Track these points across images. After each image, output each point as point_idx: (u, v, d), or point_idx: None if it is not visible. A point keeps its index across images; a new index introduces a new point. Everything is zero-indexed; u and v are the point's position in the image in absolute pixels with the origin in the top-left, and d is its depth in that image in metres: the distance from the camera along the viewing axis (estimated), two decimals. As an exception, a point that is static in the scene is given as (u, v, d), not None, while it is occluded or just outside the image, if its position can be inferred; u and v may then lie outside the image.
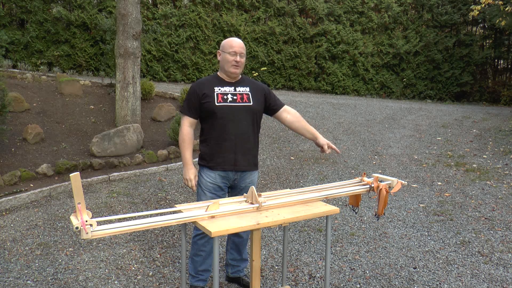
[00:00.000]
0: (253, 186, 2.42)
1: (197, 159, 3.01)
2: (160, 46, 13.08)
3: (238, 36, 13.58)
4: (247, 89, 2.80)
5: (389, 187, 2.87)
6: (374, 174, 3.00)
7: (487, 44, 15.14)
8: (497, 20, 11.09)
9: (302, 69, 14.13)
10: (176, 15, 13.24)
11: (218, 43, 13.64)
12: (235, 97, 2.74)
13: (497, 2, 10.32)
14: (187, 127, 2.78)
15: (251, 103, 2.77)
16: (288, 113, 2.92)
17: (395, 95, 14.55)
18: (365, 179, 2.80)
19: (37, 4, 11.78)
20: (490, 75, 15.39)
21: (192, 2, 13.55)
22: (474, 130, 9.04)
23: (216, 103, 2.69)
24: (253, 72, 13.87)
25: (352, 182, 2.81)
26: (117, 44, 7.08)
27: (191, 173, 2.79)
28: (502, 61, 15.39)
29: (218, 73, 2.86)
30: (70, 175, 1.87)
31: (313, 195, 2.57)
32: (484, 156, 7.08)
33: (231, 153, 2.74)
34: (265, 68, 13.96)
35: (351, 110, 10.79)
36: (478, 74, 14.96)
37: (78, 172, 1.89)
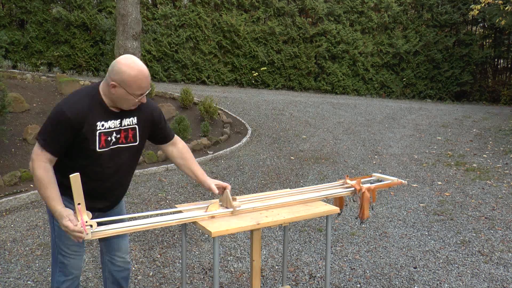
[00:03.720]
0: (227, 190, 2.30)
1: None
2: (160, 46, 13.07)
3: (238, 36, 13.58)
4: (135, 120, 2.17)
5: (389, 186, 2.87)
6: (374, 174, 3.00)
7: (487, 43, 15.13)
8: (497, 20, 11.08)
9: (302, 69, 14.13)
10: (176, 15, 13.23)
11: (218, 43, 13.64)
12: (118, 136, 2.11)
13: (496, 1, 10.32)
14: (46, 164, 1.98)
15: (137, 143, 2.19)
16: (175, 146, 2.39)
17: (395, 95, 14.55)
18: (348, 181, 2.74)
19: (37, 4, 11.78)
20: (490, 75, 15.38)
21: (192, 2, 13.55)
22: (474, 130, 9.04)
23: (98, 149, 2.05)
24: (253, 72, 13.87)
25: (335, 185, 2.77)
26: (117, 44, 7.07)
27: (69, 214, 1.92)
28: (502, 61, 15.37)
29: (100, 93, 2.07)
30: (70, 176, 1.86)
31: (293, 198, 2.54)
32: (484, 155, 7.07)
33: (102, 200, 2.18)
34: (265, 68, 13.96)
35: (351, 110, 10.79)
36: (478, 74, 14.96)
37: (78, 173, 1.89)
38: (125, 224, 2.06)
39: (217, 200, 2.47)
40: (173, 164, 6.10)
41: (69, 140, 2.00)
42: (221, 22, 13.53)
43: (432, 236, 4.03)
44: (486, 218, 4.49)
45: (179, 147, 2.40)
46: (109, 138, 2.08)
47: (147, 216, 2.23)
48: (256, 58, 13.86)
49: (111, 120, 2.08)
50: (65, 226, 1.88)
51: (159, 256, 3.56)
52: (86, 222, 1.91)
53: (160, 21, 13.11)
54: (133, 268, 3.35)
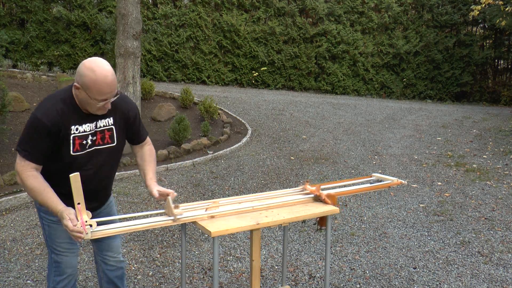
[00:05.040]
0: (169, 197, 2.15)
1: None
2: (160, 46, 13.08)
3: (238, 36, 13.58)
4: (111, 120, 2.14)
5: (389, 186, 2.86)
6: (374, 174, 3.00)
7: (487, 44, 15.13)
8: (497, 20, 11.09)
9: (302, 69, 14.13)
10: (176, 15, 13.23)
11: (218, 43, 13.64)
12: (94, 138, 2.09)
13: (497, 2, 10.32)
14: (34, 173, 1.97)
15: (115, 143, 2.18)
16: (142, 148, 2.40)
17: (395, 95, 14.55)
18: (308, 187, 2.63)
19: (37, 3, 11.78)
20: (490, 75, 15.38)
21: (192, 2, 13.55)
22: (474, 130, 9.04)
23: (72, 153, 2.03)
24: (253, 72, 13.87)
25: (295, 191, 2.65)
26: (117, 44, 7.08)
27: (70, 213, 1.92)
28: (502, 61, 15.38)
29: (74, 96, 2.04)
30: (70, 175, 1.86)
31: (249, 204, 2.41)
32: (484, 156, 7.07)
33: (86, 201, 2.01)
34: (265, 68, 13.96)
35: (351, 110, 10.79)
36: (478, 74, 14.95)
37: (78, 173, 1.89)
38: (124, 224, 2.06)
39: (217, 200, 2.47)
40: (173, 164, 6.10)
41: (49, 146, 1.98)
42: (221, 22, 13.53)
43: (432, 237, 4.03)
44: (486, 218, 4.49)
45: (144, 148, 2.41)
46: (84, 142, 2.06)
47: (147, 216, 2.23)
48: (256, 58, 13.86)
49: (86, 123, 2.06)
50: (65, 226, 1.88)
51: (158, 255, 3.56)
52: (86, 221, 1.91)
53: (161, 20, 13.11)
54: (133, 268, 3.35)
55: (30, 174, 1.96)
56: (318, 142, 7.75)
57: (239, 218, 2.27)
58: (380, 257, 3.62)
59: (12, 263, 3.35)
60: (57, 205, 1.94)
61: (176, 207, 2.17)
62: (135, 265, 3.39)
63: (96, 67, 1.94)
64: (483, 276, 3.31)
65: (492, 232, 4.16)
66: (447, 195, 5.24)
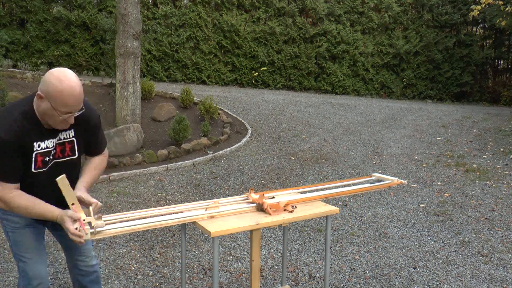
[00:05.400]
0: (90, 208, 1.95)
1: None
2: (160, 46, 13.08)
3: (238, 36, 13.59)
4: (72, 132, 2.07)
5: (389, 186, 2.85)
6: (374, 174, 3.00)
7: (487, 44, 15.13)
8: (497, 20, 11.09)
9: (302, 69, 14.13)
10: (176, 15, 13.24)
11: (218, 43, 13.64)
12: (54, 152, 2.02)
13: (497, 2, 10.32)
14: (14, 193, 1.91)
15: (76, 155, 2.12)
16: (94, 159, 2.28)
17: (395, 95, 14.55)
18: (252, 195, 2.49)
19: (37, 3, 11.78)
20: (490, 75, 15.38)
21: (192, 2, 13.55)
22: (474, 130, 9.04)
23: (34, 170, 1.96)
24: (253, 72, 13.87)
25: (238, 199, 2.53)
26: (117, 44, 7.08)
27: (70, 214, 1.90)
28: (502, 61, 15.38)
29: (35, 110, 1.93)
30: (57, 179, 1.81)
31: (197, 212, 2.30)
32: (484, 156, 7.07)
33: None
34: (265, 68, 13.96)
35: (351, 110, 10.79)
36: (478, 74, 14.96)
37: (64, 175, 1.83)
38: (125, 224, 2.06)
39: (217, 200, 2.47)
40: (173, 164, 6.10)
41: (20, 162, 1.91)
42: (221, 22, 13.53)
43: (432, 237, 4.03)
44: (486, 218, 4.49)
45: (95, 159, 2.26)
46: (46, 158, 1.99)
47: (147, 216, 2.23)
48: (256, 58, 13.86)
49: (48, 139, 1.98)
50: (67, 229, 1.85)
51: (158, 255, 3.56)
52: (84, 220, 1.90)
53: (161, 20, 13.11)
54: (133, 268, 3.35)
55: (14, 195, 1.90)
56: (318, 142, 7.75)
57: (239, 218, 2.27)
58: (380, 257, 3.62)
59: (12, 263, 3.35)
60: (53, 212, 1.91)
61: (99, 218, 1.96)
62: (135, 265, 3.39)
63: (64, 77, 1.85)
64: (483, 276, 3.31)
65: (492, 232, 4.16)
66: (447, 195, 5.24)
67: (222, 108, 9.27)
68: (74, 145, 2.09)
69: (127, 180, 5.51)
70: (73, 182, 2.04)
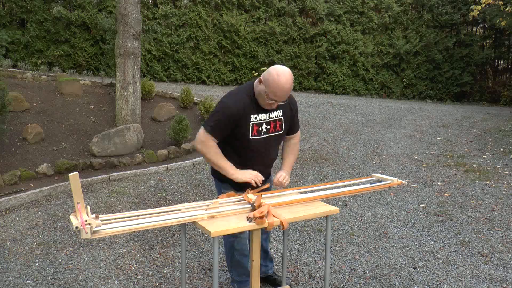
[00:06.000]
0: (88, 206, 2.01)
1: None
2: (160, 46, 13.08)
3: (238, 36, 13.59)
4: (280, 112, 2.62)
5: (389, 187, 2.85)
6: (374, 174, 3.00)
7: (487, 44, 15.13)
8: (497, 20, 11.08)
9: (302, 69, 14.13)
10: (176, 15, 13.23)
11: (218, 43, 13.64)
12: (268, 127, 2.58)
13: (497, 2, 10.32)
14: (213, 145, 2.51)
15: (282, 131, 2.66)
16: (292, 139, 2.84)
17: (395, 95, 14.55)
18: (249, 196, 2.45)
19: (37, 3, 11.78)
20: (490, 75, 15.38)
21: (192, 2, 13.55)
22: (474, 130, 9.04)
23: (251, 137, 2.52)
24: (253, 72, 13.87)
25: (238, 199, 2.49)
26: (117, 44, 7.08)
27: (248, 173, 2.53)
28: (502, 61, 15.38)
29: (252, 91, 2.53)
30: (69, 175, 1.87)
31: (197, 212, 2.27)
32: (484, 156, 7.07)
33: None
34: (265, 68, 13.95)
35: (351, 110, 10.79)
36: (478, 74, 14.96)
37: (77, 172, 1.90)
38: (125, 224, 2.06)
39: (217, 200, 2.47)
40: (173, 164, 6.10)
41: (230, 128, 2.48)
42: (221, 22, 13.53)
43: (432, 237, 4.03)
44: (486, 219, 4.49)
45: (291, 141, 2.85)
46: (260, 129, 2.54)
47: (148, 215, 2.23)
48: (256, 58, 13.86)
49: (261, 114, 2.53)
50: (242, 179, 2.47)
51: (158, 255, 3.56)
52: (86, 221, 1.91)
53: (161, 20, 13.11)
54: (133, 268, 3.35)
55: (212, 144, 2.49)
56: (318, 142, 7.75)
57: (239, 218, 2.26)
58: (380, 257, 3.62)
59: (12, 263, 3.35)
60: (228, 170, 2.50)
61: (97, 217, 2.00)
62: (135, 265, 3.39)
63: (283, 75, 2.37)
64: (483, 276, 3.31)
65: (492, 232, 4.16)
66: (447, 195, 5.24)
67: (222, 108, 9.26)
68: (282, 123, 2.64)
69: (127, 180, 5.51)
70: (276, 152, 2.75)
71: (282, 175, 2.69)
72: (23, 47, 11.88)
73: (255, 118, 2.51)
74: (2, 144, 5.75)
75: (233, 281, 2.86)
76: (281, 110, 2.61)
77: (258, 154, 2.60)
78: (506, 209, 4.75)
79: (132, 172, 5.71)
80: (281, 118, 2.62)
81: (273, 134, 2.61)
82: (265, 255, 3.00)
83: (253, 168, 2.58)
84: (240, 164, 2.57)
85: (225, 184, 2.68)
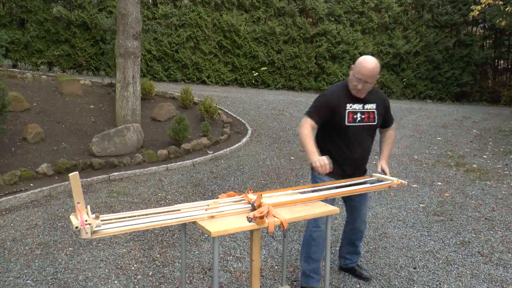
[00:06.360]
0: (88, 206, 2.01)
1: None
2: (160, 46, 13.08)
3: (238, 36, 13.59)
4: (374, 106, 2.91)
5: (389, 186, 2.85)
6: (374, 174, 3.01)
7: (487, 44, 15.13)
8: (497, 20, 11.09)
9: (302, 69, 14.13)
10: (176, 15, 13.23)
11: (218, 43, 13.64)
12: (363, 116, 2.86)
13: (497, 2, 10.32)
14: (309, 126, 2.77)
15: (375, 122, 2.93)
16: (387, 132, 3.15)
17: (395, 95, 14.55)
18: (250, 196, 2.44)
19: (37, 3, 11.78)
20: (490, 75, 15.39)
21: (192, 2, 13.55)
22: (474, 130, 9.04)
23: (347, 123, 2.81)
24: (253, 72, 13.87)
25: (238, 199, 2.48)
26: (117, 43, 7.07)
27: (320, 158, 2.64)
28: (502, 61, 15.39)
29: (348, 84, 2.86)
30: (69, 175, 1.87)
31: (197, 212, 2.25)
32: (484, 156, 7.07)
33: (346, 165, 2.92)
34: (265, 68, 13.96)
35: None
36: (478, 74, 14.96)
37: (77, 172, 1.90)
38: (125, 224, 2.06)
39: (217, 200, 2.47)
40: (173, 164, 6.10)
41: (327, 114, 2.79)
42: (221, 22, 13.53)
43: (432, 237, 4.03)
44: (486, 219, 4.49)
45: (387, 133, 3.15)
46: (355, 116, 2.83)
47: (149, 215, 2.23)
48: (256, 58, 13.86)
49: (356, 103, 2.84)
50: (314, 163, 2.60)
51: (158, 255, 3.56)
52: (86, 221, 1.91)
53: (161, 20, 13.11)
54: (133, 268, 3.35)
55: (307, 126, 2.75)
56: (318, 142, 7.75)
57: (239, 218, 2.26)
58: (380, 257, 3.62)
59: (12, 263, 3.35)
60: (311, 151, 2.66)
61: (97, 217, 1.99)
62: (135, 265, 3.39)
63: (368, 58, 2.76)
64: (483, 276, 3.31)
65: (492, 232, 4.16)
66: (447, 195, 5.24)
67: (222, 108, 9.27)
68: (375, 115, 2.92)
69: (127, 180, 5.51)
70: (371, 143, 3.02)
71: (381, 167, 3.01)
72: (23, 47, 11.88)
73: (351, 106, 2.81)
74: (2, 144, 5.75)
75: (303, 274, 3.01)
76: (375, 104, 2.90)
77: (355, 141, 2.86)
78: (506, 209, 4.75)
79: (132, 172, 5.71)
80: (374, 111, 2.90)
81: (367, 123, 2.89)
82: (354, 249, 3.22)
83: (351, 156, 2.87)
84: (339, 151, 2.88)
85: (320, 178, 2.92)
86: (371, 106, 2.89)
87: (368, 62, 2.72)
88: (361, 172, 3.03)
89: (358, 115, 2.84)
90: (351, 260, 3.23)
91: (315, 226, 2.89)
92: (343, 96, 2.82)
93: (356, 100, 2.84)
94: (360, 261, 3.54)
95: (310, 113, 2.82)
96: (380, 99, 2.95)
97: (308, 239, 2.95)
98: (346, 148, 2.87)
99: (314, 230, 2.90)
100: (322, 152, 2.87)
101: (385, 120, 3.04)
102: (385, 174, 2.95)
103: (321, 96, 2.89)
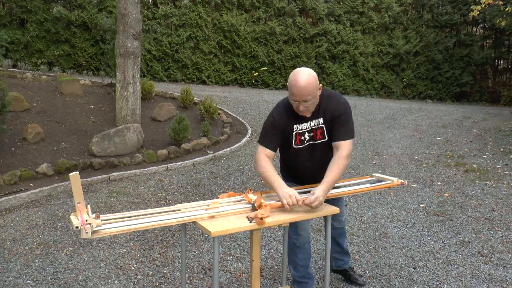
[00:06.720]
0: (88, 206, 2.04)
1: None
2: (160, 46, 13.08)
3: (238, 36, 13.59)
4: (321, 121, 2.57)
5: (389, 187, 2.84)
6: (374, 174, 3.00)
7: (487, 44, 15.14)
8: (497, 20, 11.09)
9: (302, 69, 14.13)
10: (176, 14, 13.24)
11: (218, 43, 13.64)
12: (311, 134, 2.59)
13: (497, 2, 10.32)
14: (264, 157, 2.54)
15: (326, 139, 2.60)
16: (336, 150, 2.54)
17: (395, 95, 14.55)
18: (250, 196, 2.43)
19: (37, 3, 11.78)
20: (490, 75, 15.39)
21: (192, 2, 13.55)
22: (474, 130, 9.04)
23: (294, 146, 2.61)
24: (253, 72, 13.88)
25: (238, 199, 2.48)
26: (117, 43, 7.08)
27: (289, 190, 2.39)
28: (502, 61, 15.40)
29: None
30: (70, 174, 1.87)
31: (197, 212, 2.25)
32: (484, 156, 7.07)
33: (306, 179, 2.74)
34: (265, 68, 13.96)
35: (351, 110, 10.78)
36: (478, 74, 14.96)
37: (78, 172, 1.90)
38: (125, 224, 2.06)
39: (217, 200, 2.47)
40: (173, 164, 6.10)
41: (279, 138, 2.58)
42: (221, 22, 13.53)
43: (432, 237, 4.03)
44: (486, 219, 4.49)
45: (336, 154, 2.52)
46: (302, 138, 2.59)
47: (149, 215, 2.23)
48: (256, 58, 13.86)
49: (303, 123, 2.57)
50: (281, 200, 2.35)
51: (158, 255, 3.56)
52: (86, 221, 1.91)
53: (161, 20, 13.11)
54: (133, 268, 3.35)
55: (262, 157, 2.53)
56: (318, 142, 7.75)
57: (239, 218, 2.26)
58: (380, 257, 3.62)
59: (12, 263, 3.35)
60: (276, 186, 2.41)
61: (97, 217, 1.99)
62: (135, 265, 3.39)
63: (297, 73, 2.40)
64: (483, 276, 3.31)
65: (492, 232, 4.16)
66: (447, 195, 5.24)
67: (222, 108, 9.27)
68: (324, 131, 2.59)
69: (127, 180, 5.51)
70: (327, 157, 2.58)
71: (314, 195, 2.36)
72: (23, 47, 11.88)
73: (297, 127, 2.58)
74: (2, 144, 5.75)
75: (293, 282, 2.89)
76: (321, 118, 2.57)
77: (306, 161, 2.66)
78: (506, 209, 4.75)
79: (132, 172, 5.71)
80: (322, 126, 2.58)
81: (318, 141, 2.61)
82: (340, 249, 3.10)
83: (307, 172, 2.68)
84: (296, 172, 2.75)
85: (288, 183, 2.65)
86: (317, 122, 2.57)
87: (299, 80, 2.36)
88: (316, 181, 2.68)
89: (306, 135, 2.59)
90: (342, 260, 3.15)
91: (296, 234, 2.74)
92: (288, 117, 2.55)
93: (302, 119, 2.55)
94: (360, 261, 3.54)
95: (262, 142, 2.58)
96: (328, 111, 2.54)
97: (293, 247, 2.80)
98: (300, 167, 2.71)
99: (295, 237, 2.75)
100: (284, 171, 2.85)
101: (334, 134, 2.56)
102: (310, 205, 2.37)
103: (267, 119, 2.61)
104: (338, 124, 2.54)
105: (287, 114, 2.55)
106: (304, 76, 2.37)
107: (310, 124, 2.58)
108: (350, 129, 2.56)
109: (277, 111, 2.59)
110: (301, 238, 2.74)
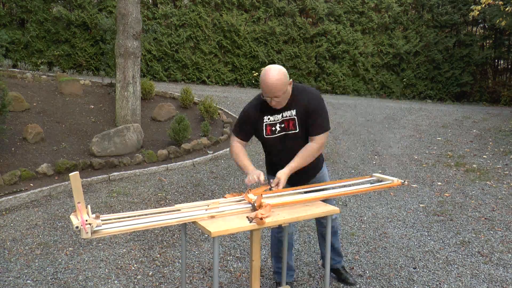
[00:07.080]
0: (88, 206, 2.03)
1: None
2: (160, 46, 13.08)
3: (238, 36, 13.59)
4: (294, 112, 2.64)
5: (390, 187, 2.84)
6: (374, 174, 3.00)
7: (487, 44, 15.13)
8: (497, 20, 11.08)
9: (302, 69, 14.13)
10: (176, 14, 13.24)
11: (218, 43, 13.64)
12: (282, 125, 2.67)
13: (497, 2, 10.32)
14: (237, 143, 2.80)
15: (297, 130, 2.67)
16: (311, 141, 2.69)
17: (395, 95, 14.55)
18: (250, 196, 2.42)
19: (37, 3, 11.78)
20: (490, 75, 15.38)
21: (192, 1, 13.55)
22: (474, 130, 9.04)
23: (265, 136, 2.71)
24: (253, 72, 13.87)
25: (238, 199, 2.46)
26: (117, 43, 7.08)
27: (257, 172, 2.57)
28: (502, 61, 15.38)
29: None
30: (70, 174, 1.87)
31: (197, 212, 2.26)
32: (484, 156, 7.07)
33: (280, 168, 2.69)
34: (265, 68, 13.96)
35: (351, 110, 10.79)
36: (478, 74, 14.95)
37: (78, 172, 1.90)
38: (125, 224, 2.06)
39: (217, 200, 2.47)
40: (173, 164, 6.10)
41: (251, 129, 2.76)
42: (221, 22, 13.53)
43: (432, 237, 4.03)
44: (486, 219, 4.49)
45: (308, 144, 2.70)
46: (273, 128, 2.69)
47: (149, 215, 2.23)
48: (256, 58, 13.86)
49: (274, 115, 2.67)
50: (247, 178, 2.54)
51: (158, 255, 3.56)
52: (86, 220, 1.91)
53: (161, 20, 13.11)
54: (133, 268, 3.35)
55: (235, 144, 2.78)
56: (318, 142, 7.74)
57: (240, 218, 2.26)
58: (380, 257, 3.62)
59: (12, 263, 3.35)
60: (246, 167, 2.65)
61: (97, 217, 1.99)
62: (135, 265, 3.39)
63: (268, 70, 2.51)
64: (483, 276, 3.31)
65: (492, 232, 4.16)
66: (447, 195, 5.24)
67: (222, 108, 9.27)
68: (296, 122, 2.67)
69: (127, 180, 5.51)
70: (299, 147, 2.67)
71: (277, 179, 2.56)
72: (23, 47, 11.88)
73: (268, 119, 2.68)
74: (2, 144, 5.75)
75: (275, 273, 3.11)
76: (294, 110, 2.65)
77: (281, 152, 2.74)
78: (506, 209, 4.75)
79: (132, 172, 5.71)
80: (294, 118, 2.66)
81: (289, 132, 2.68)
82: (332, 248, 3.11)
83: (282, 165, 2.64)
84: (271, 161, 2.88)
85: (269, 175, 2.95)
86: (290, 113, 2.65)
87: (268, 78, 2.47)
88: (305, 176, 2.85)
89: (277, 126, 2.68)
90: (334, 259, 3.16)
91: (279, 232, 2.96)
92: (260, 109, 2.68)
93: (274, 111, 2.66)
94: (360, 261, 3.54)
95: (234, 131, 2.85)
96: (302, 104, 2.63)
97: (275, 241, 3.01)
98: (275, 157, 2.81)
99: (278, 232, 2.97)
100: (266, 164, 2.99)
101: (309, 127, 2.67)
102: (277, 185, 2.55)
103: (241, 112, 2.80)
104: (312, 118, 2.65)
105: (259, 105, 2.69)
106: (274, 74, 2.48)
107: (282, 116, 2.67)
108: (324, 123, 2.71)
109: (250, 104, 2.76)
110: (283, 234, 2.87)
